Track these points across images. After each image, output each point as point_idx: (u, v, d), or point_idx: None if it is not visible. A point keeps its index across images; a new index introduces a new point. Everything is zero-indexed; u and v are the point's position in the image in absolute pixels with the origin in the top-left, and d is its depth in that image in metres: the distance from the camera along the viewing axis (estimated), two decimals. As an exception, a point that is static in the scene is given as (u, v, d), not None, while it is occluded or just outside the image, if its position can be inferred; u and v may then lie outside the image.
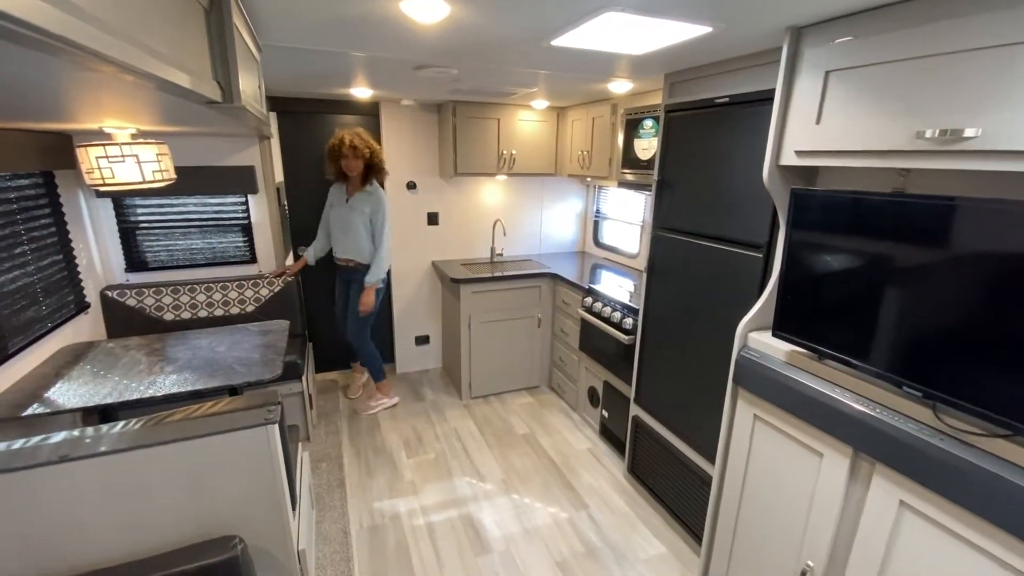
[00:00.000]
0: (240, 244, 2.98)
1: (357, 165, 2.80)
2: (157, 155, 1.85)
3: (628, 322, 2.44)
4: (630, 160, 2.66)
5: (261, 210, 2.95)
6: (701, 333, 1.92)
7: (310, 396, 2.83)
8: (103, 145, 1.73)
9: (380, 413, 3.19)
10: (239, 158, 2.82)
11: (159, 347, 2.25)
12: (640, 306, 2.28)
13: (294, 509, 1.58)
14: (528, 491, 2.46)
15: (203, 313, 2.83)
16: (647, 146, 2.52)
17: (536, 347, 3.42)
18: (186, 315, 2.80)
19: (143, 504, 1.29)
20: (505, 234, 3.77)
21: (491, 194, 3.67)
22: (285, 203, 3.28)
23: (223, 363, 2.08)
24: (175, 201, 2.80)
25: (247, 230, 2.96)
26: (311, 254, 3.06)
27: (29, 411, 1.68)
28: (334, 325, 3.42)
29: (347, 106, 3.20)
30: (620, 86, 2.44)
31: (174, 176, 1.92)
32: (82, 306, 2.44)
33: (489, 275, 3.19)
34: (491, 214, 3.70)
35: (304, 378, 2.74)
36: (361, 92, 2.74)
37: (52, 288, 2.21)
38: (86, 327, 2.47)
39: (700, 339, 1.93)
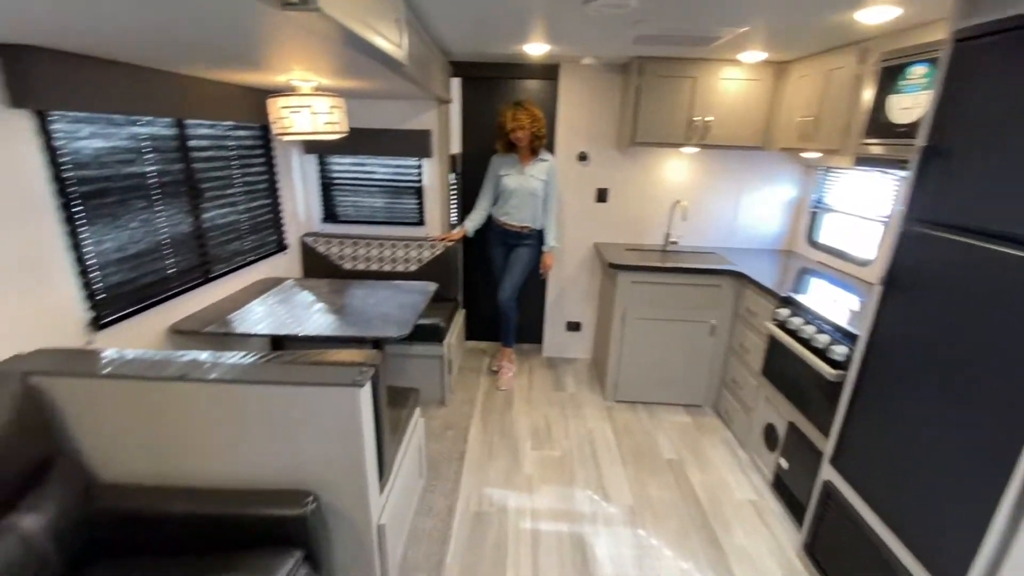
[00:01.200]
0: (412, 206, 3.10)
1: (525, 136, 2.78)
2: (330, 107, 1.92)
3: (839, 351, 1.75)
4: (879, 126, 1.88)
5: (432, 174, 3.01)
6: (976, 388, 1.20)
7: (450, 361, 2.81)
8: (287, 95, 1.85)
9: (517, 394, 3.04)
10: (417, 122, 2.89)
11: (327, 291, 2.44)
12: (864, 332, 1.58)
13: (382, 479, 1.49)
14: (659, 531, 2.01)
15: (374, 266, 3.04)
16: (910, 103, 1.73)
17: (704, 359, 2.83)
18: (360, 266, 3.04)
19: (239, 437, 1.31)
20: (685, 219, 3.19)
21: (674, 170, 3.13)
22: (459, 170, 3.31)
23: (366, 315, 2.13)
24: (364, 161, 3.02)
25: (419, 193, 3.06)
26: (470, 225, 3.03)
27: (209, 328, 1.94)
28: (492, 296, 3.37)
29: (527, 70, 3.03)
30: (878, 13, 1.69)
31: (346, 129, 1.98)
32: (282, 246, 2.82)
33: (656, 264, 2.71)
34: (670, 194, 3.16)
35: (446, 343, 2.73)
36: (537, 48, 2.51)
37: (258, 227, 2.57)
38: (283, 265, 2.84)
39: (971, 397, 1.21)
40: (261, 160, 2.58)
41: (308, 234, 3.04)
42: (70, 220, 1.53)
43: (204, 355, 1.36)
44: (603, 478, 2.32)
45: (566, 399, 3.01)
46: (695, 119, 2.68)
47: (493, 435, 2.63)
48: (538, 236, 3.01)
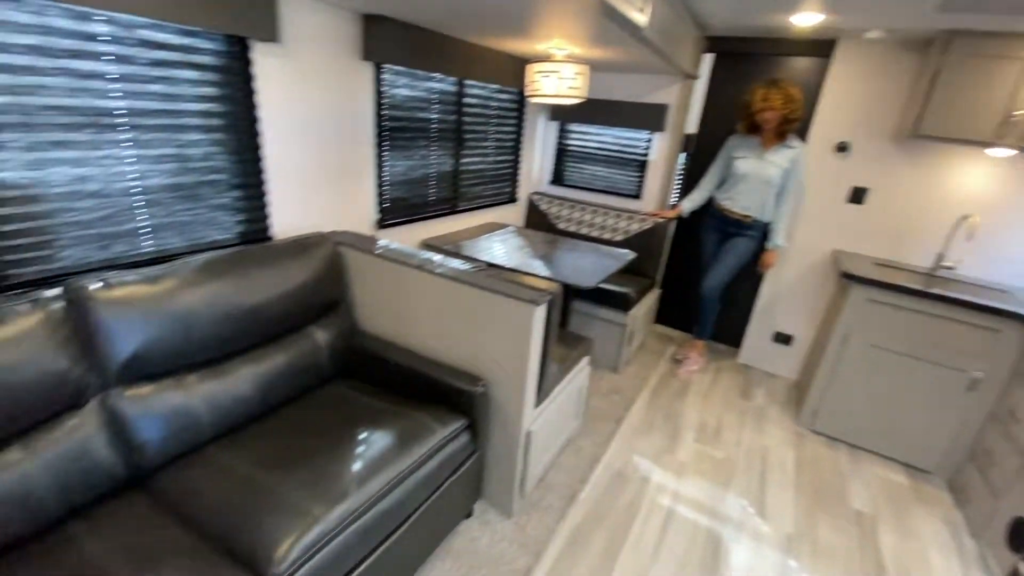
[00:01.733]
0: (633, 178, 3.19)
1: (775, 117, 2.54)
2: (575, 74, 2.15)
3: None
4: None
5: (661, 149, 3.03)
6: None
7: (632, 334, 2.88)
8: (543, 62, 2.14)
9: (694, 387, 2.93)
10: (656, 96, 2.93)
11: (538, 241, 2.77)
12: None
13: (540, 394, 1.71)
14: (817, 570, 1.77)
15: (584, 230, 3.26)
16: None
17: (952, 418, 2.24)
18: (572, 228, 3.30)
19: (445, 321, 1.69)
20: (971, 239, 2.48)
21: (968, 175, 2.44)
22: (691, 151, 3.24)
23: (562, 263, 2.37)
24: (599, 131, 3.22)
25: (642, 167, 3.12)
26: (687, 205, 2.96)
27: (446, 247, 2.45)
28: (693, 284, 3.26)
29: (792, 45, 2.73)
30: None
31: (584, 95, 2.19)
32: (513, 198, 3.26)
33: (912, 286, 2.22)
34: (956, 206, 2.49)
35: (632, 314, 2.80)
36: (809, 18, 2.26)
37: (498, 178, 3.04)
38: (510, 214, 3.30)
39: None
40: (513, 121, 3.02)
41: (536, 192, 3.44)
42: (379, 146, 2.13)
43: (437, 257, 1.78)
44: (765, 496, 2.12)
45: (749, 409, 2.77)
46: (1016, 113, 2.04)
47: (657, 414, 2.63)
48: (761, 229, 2.77)
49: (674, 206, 3.06)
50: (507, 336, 1.57)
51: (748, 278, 3.03)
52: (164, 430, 1.29)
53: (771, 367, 3.22)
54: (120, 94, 1.30)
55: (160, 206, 1.46)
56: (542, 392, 1.73)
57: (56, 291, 1.16)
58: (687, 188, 3.25)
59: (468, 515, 1.81)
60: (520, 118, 3.07)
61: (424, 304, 1.72)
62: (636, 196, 3.20)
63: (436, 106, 2.39)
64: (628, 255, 2.62)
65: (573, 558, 1.72)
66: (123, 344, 1.22)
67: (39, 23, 1.14)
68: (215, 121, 1.54)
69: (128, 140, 1.35)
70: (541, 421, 1.79)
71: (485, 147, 2.82)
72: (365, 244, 1.85)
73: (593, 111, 3.03)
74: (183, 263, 1.38)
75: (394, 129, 2.18)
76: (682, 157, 3.30)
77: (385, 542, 1.31)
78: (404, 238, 2.43)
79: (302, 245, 1.69)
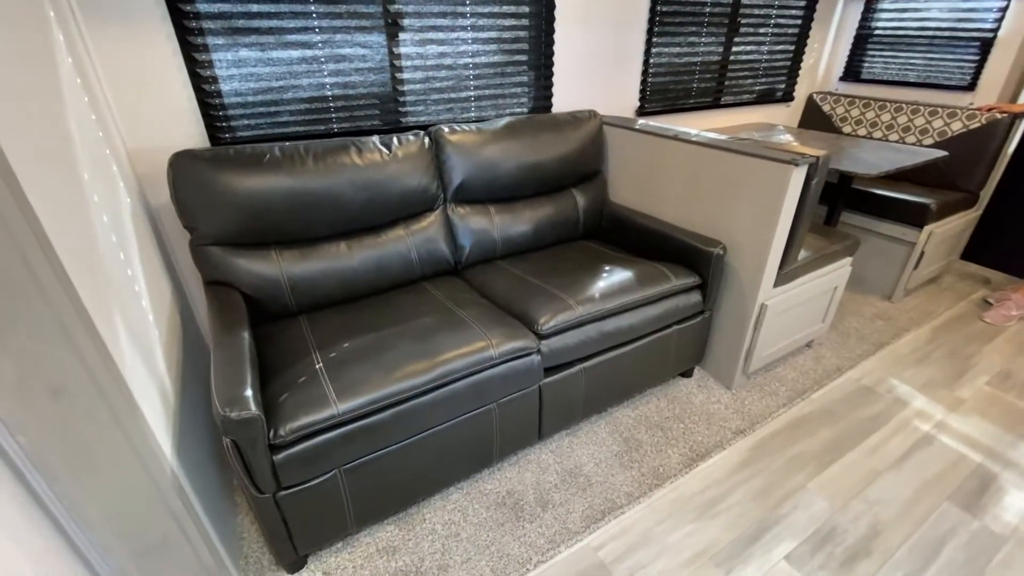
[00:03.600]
0: (966, 65, 2.49)
1: None
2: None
3: None
4: None
5: (1021, 17, 2.27)
6: None
7: (922, 255, 2.40)
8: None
9: (1005, 334, 2.31)
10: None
11: (811, 138, 2.50)
12: None
13: (781, 272, 1.70)
14: None
15: (878, 134, 2.76)
16: None
17: None
18: (862, 131, 2.82)
19: (690, 188, 1.80)
20: None
21: None
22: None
23: (841, 154, 2.12)
24: (921, 5, 2.58)
25: (985, 47, 2.40)
26: None
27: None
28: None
29: None
30: None
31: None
32: (788, 97, 2.95)
33: None
34: None
35: (928, 230, 2.33)
36: None
37: (772, 71, 2.79)
38: (781, 116, 3.01)
39: None
40: (801, 5, 2.67)
41: (819, 92, 3.01)
42: (649, 31, 2.24)
43: (692, 130, 1.86)
44: (1089, 460, 1.65)
45: (1097, 371, 2.07)
46: None
47: (937, 349, 2.21)
48: None
49: (1031, 97, 2.30)
50: (757, 201, 1.59)
51: None
52: (472, 241, 1.82)
53: None
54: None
55: (482, 79, 1.95)
56: (784, 272, 1.71)
57: (423, 133, 1.73)
58: (1064, 74, 2.37)
59: (687, 374, 1.97)
60: (810, 5, 2.69)
61: (673, 176, 1.85)
62: (969, 87, 2.51)
63: (713, -13, 2.33)
64: (932, 153, 2.15)
65: (790, 439, 1.73)
66: (455, 174, 1.76)
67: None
68: (524, 8, 1.92)
69: (468, 25, 1.83)
70: (777, 302, 1.77)
71: (761, 34, 2.61)
72: (624, 122, 2.05)
73: (921, -22, 2.43)
74: (492, 122, 1.84)
75: (665, 14, 2.25)
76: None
77: (616, 350, 1.60)
78: (660, 129, 2.53)
79: (576, 119, 1.99)
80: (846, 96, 2.88)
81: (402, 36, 1.72)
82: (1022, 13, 2.25)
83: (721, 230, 1.73)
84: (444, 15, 1.76)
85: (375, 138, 1.62)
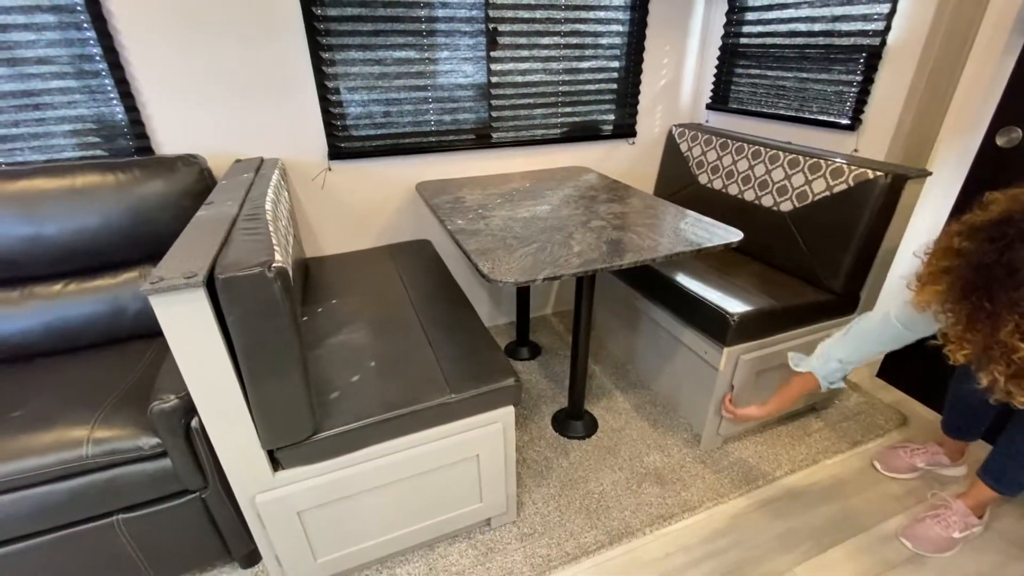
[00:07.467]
0: (844, 89, 1.58)
1: None
2: None
3: None
4: None
5: (923, 17, 1.36)
6: None
7: (732, 388, 1.51)
8: None
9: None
10: None
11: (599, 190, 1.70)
12: None
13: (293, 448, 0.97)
14: None
15: (732, 189, 1.86)
16: None
17: None
18: (717, 184, 1.94)
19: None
20: None
21: None
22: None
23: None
24: (790, 1, 1.71)
25: (870, 59, 1.50)
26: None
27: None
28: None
29: None
30: None
31: None
32: (626, 133, 2.13)
33: None
34: None
35: (727, 354, 1.44)
36: None
37: (583, 98, 1.99)
38: (619, 154, 2.18)
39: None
40: (626, 1, 1.87)
41: (680, 124, 2.16)
42: (314, 45, 1.58)
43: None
44: None
45: None
46: None
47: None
48: None
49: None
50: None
51: None
52: None
53: None
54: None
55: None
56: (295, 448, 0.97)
57: None
58: (1000, 118, 1.40)
59: None
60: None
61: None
62: (849, 124, 1.60)
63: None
64: (732, 237, 1.30)
65: None
66: None
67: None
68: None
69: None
70: (307, 487, 1.03)
71: (548, 46, 1.83)
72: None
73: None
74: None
75: (333, 19, 1.56)
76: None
77: None
78: (380, 175, 1.82)
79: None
80: (708, 132, 2.01)
81: None
82: (919, 12, 1.34)
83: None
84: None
85: None
